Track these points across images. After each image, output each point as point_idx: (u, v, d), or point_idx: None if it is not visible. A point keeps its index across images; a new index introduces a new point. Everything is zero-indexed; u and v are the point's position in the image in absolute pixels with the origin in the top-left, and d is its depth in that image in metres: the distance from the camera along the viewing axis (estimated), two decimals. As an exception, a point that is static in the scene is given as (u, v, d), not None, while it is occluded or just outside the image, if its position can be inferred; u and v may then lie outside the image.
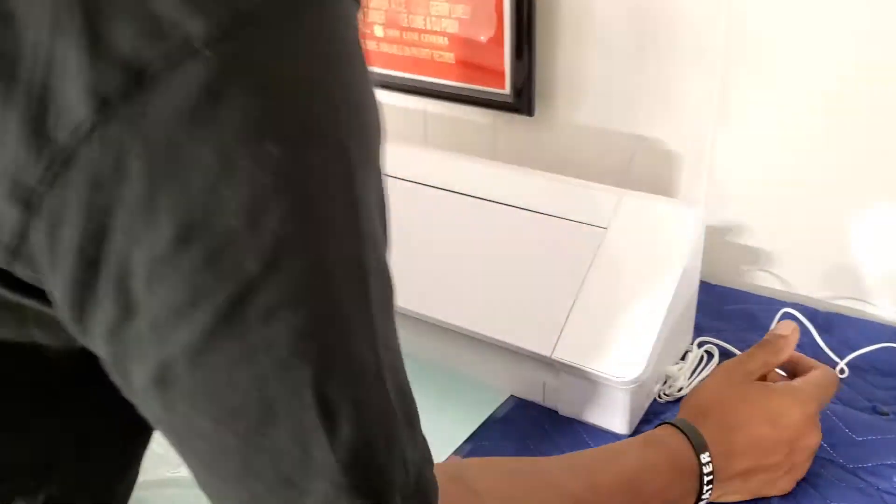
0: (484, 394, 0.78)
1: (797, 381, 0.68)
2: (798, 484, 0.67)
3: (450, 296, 0.78)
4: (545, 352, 0.72)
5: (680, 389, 0.78)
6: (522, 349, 0.73)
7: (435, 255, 0.80)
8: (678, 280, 0.71)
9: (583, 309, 0.72)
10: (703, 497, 0.62)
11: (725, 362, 0.70)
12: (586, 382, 0.72)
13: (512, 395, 0.78)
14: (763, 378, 0.69)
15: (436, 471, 0.45)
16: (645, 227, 0.74)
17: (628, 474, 0.60)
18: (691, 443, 0.62)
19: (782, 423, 0.64)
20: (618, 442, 0.66)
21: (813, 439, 0.65)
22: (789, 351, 0.69)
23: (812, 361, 0.71)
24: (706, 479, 0.61)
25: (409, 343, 0.83)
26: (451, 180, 0.83)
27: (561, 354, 0.71)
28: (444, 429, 0.74)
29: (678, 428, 0.63)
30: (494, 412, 0.76)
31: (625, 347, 0.70)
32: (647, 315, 0.70)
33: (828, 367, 0.70)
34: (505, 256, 0.78)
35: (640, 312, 0.71)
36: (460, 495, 0.50)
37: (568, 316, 0.72)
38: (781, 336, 0.69)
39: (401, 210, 0.84)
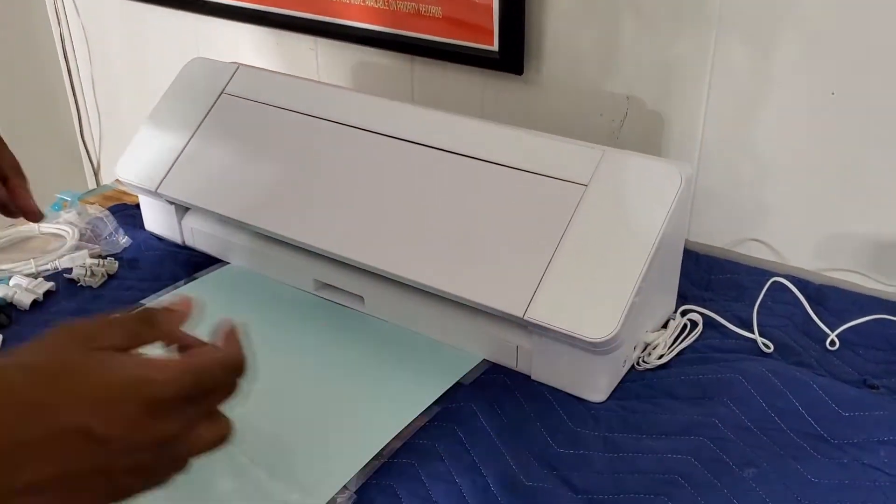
0: (455, 357, 0.75)
1: (169, 361, 0.46)
2: (780, 459, 0.64)
3: (422, 254, 0.74)
4: (517, 312, 0.68)
5: (660, 357, 0.74)
6: (495, 309, 0.70)
7: (409, 212, 0.76)
8: (657, 238, 0.67)
9: (558, 268, 0.69)
10: None
11: (84, 319, 0.46)
12: (559, 345, 0.69)
13: (485, 360, 0.75)
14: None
15: None
16: (627, 184, 0.70)
17: None
18: None
19: (115, 414, 0.41)
20: None
21: (159, 433, 0.42)
22: (171, 326, 0.49)
23: (212, 348, 0.49)
24: None
25: (382, 304, 0.81)
26: (433, 137, 0.79)
27: (533, 314, 0.67)
28: (412, 390, 0.70)
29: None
30: (465, 376, 0.73)
31: (598, 306, 0.66)
32: (623, 273, 0.67)
33: (233, 353, 0.48)
34: (481, 214, 0.74)
35: (616, 271, 0.67)
36: None
37: (543, 275, 0.69)
38: (166, 308, 0.50)
39: (381, 165, 0.81)
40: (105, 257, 0.91)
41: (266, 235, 0.85)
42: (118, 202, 1.04)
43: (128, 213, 1.00)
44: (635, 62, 0.89)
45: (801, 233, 0.88)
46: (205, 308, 0.51)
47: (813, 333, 0.78)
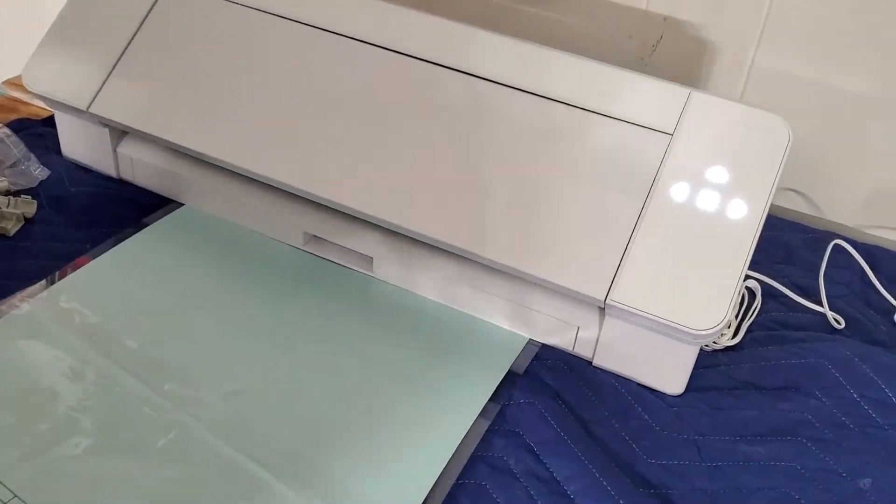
0: (497, 338, 0.62)
1: None
2: (889, 464, 0.56)
3: (459, 212, 0.60)
4: (597, 294, 0.56)
5: (735, 334, 0.64)
6: (568, 290, 0.57)
7: (441, 157, 0.61)
8: (766, 204, 0.56)
9: (645, 239, 0.56)
10: None
11: None
12: (636, 329, 0.57)
13: (531, 341, 0.62)
14: None
15: None
16: (724, 136, 0.58)
17: None
18: None
19: None
20: None
21: None
22: None
23: None
24: None
25: (399, 269, 0.66)
26: (466, 59, 0.63)
27: (619, 298, 0.55)
28: (458, 385, 0.57)
29: None
30: (515, 363, 0.60)
31: (701, 289, 0.54)
32: (729, 249, 0.55)
33: None
34: (537, 164, 0.60)
35: (719, 245, 0.55)
36: None
37: (626, 248, 0.56)
38: None
39: (395, 90, 0.65)
40: (16, 194, 0.70)
41: (235, 172, 0.68)
42: (14, 115, 0.82)
43: (34, 132, 0.79)
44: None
45: (843, 185, 0.79)
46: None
47: (874, 304, 0.71)
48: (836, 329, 0.67)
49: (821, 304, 0.68)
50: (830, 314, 0.67)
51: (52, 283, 0.61)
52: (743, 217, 0.56)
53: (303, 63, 0.66)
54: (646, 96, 0.60)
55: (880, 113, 0.75)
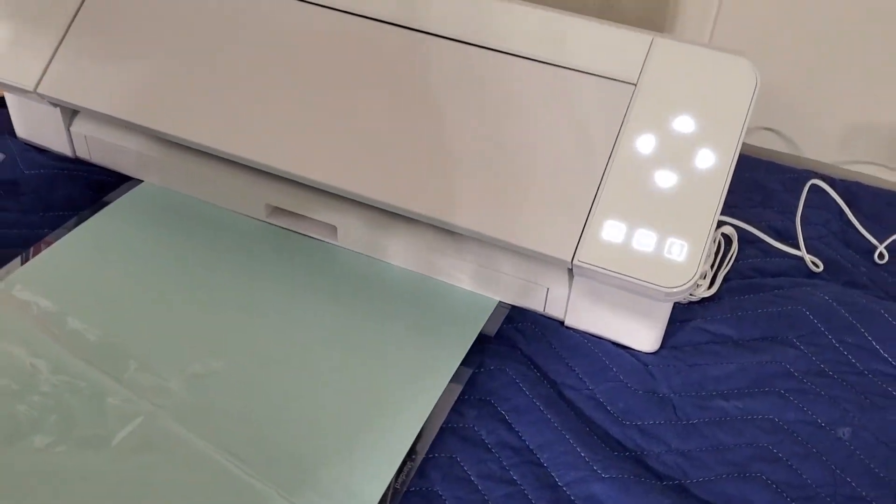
0: (466, 302, 0.60)
1: None
2: (869, 411, 0.55)
3: (420, 176, 0.58)
4: (563, 255, 0.54)
5: (712, 284, 0.63)
6: (534, 252, 0.55)
7: (400, 120, 0.59)
8: (735, 151, 0.54)
9: (611, 194, 0.54)
10: None
11: None
12: (612, 291, 0.56)
13: (501, 303, 0.61)
14: None
15: None
16: (689, 83, 0.56)
17: None
18: None
19: None
20: None
21: None
22: None
23: None
24: None
25: (362, 236, 0.65)
26: (425, 19, 0.61)
27: (586, 258, 0.54)
28: (426, 352, 0.56)
29: None
30: (485, 327, 0.59)
31: (671, 244, 0.53)
32: (699, 199, 0.54)
33: None
34: (499, 129, 0.58)
35: (688, 197, 0.54)
36: None
37: (592, 204, 0.54)
38: None
39: (355, 54, 0.62)
40: (-31, 180, 0.68)
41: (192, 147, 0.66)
42: (-32, 96, 0.79)
43: (-15, 114, 0.76)
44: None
45: (820, 121, 0.77)
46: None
47: (854, 243, 0.69)
48: (814, 273, 0.66)
49: (798, 247, 0.66)
50: (808, 257, 0.66)
51: (7, 273, 0.60)
52: (711, 167, 0.54)
53: (258, 33, 0.64)
54: (606, 45, 0.58)
55: (856, 44, 0.72)
